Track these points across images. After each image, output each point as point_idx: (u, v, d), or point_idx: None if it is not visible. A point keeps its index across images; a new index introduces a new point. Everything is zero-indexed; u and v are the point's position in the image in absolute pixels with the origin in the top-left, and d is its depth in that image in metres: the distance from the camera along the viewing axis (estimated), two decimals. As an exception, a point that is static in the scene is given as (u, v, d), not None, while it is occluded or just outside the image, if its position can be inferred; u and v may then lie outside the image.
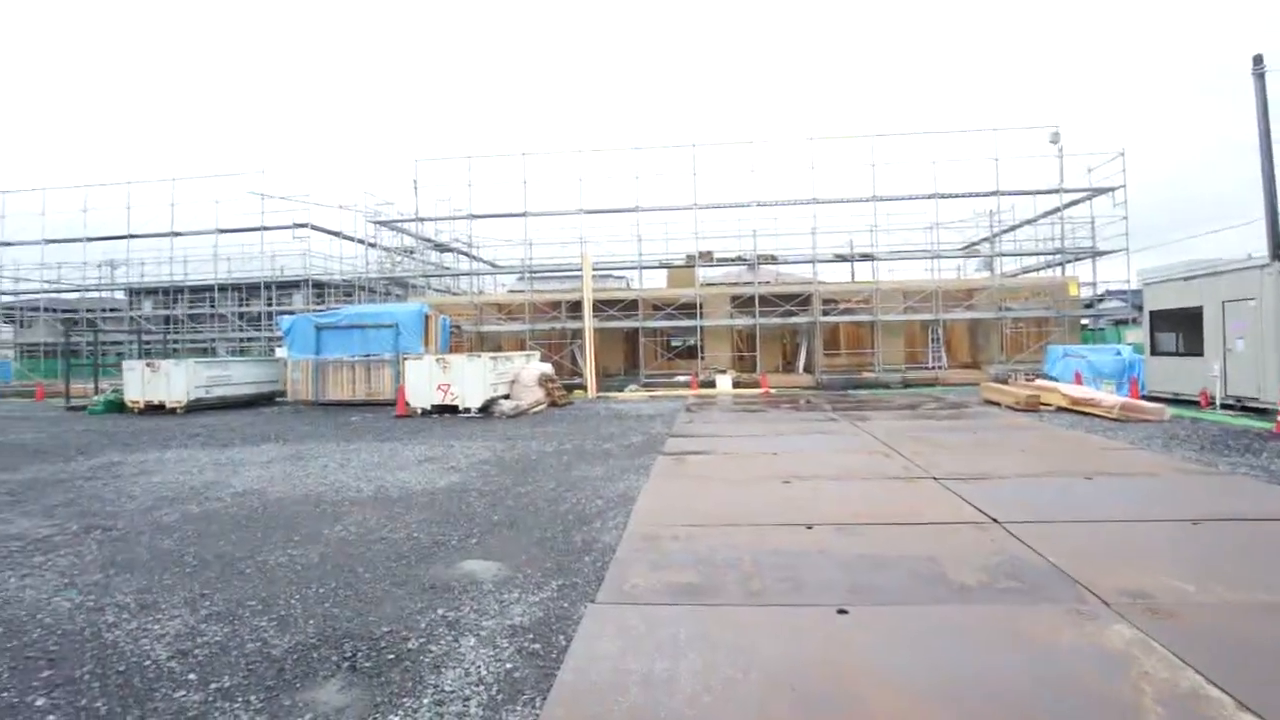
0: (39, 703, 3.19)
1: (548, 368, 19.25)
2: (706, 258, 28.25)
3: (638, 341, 27.88)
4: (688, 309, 26.03)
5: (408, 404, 16.39)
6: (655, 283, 31.21)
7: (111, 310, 39.84)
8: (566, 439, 11.69)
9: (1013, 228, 29.08)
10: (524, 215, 27.20)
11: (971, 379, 23.26)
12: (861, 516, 6.01)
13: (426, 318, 20.07)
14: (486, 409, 16.13)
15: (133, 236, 31.57)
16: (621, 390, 22.98)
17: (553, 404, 17.85)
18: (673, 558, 5.00)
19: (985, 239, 30.80)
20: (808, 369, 27.16)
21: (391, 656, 3.58)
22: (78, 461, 10.18)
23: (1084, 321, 28.64)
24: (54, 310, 39.87)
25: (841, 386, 23.27)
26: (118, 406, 18.90)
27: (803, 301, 26.05)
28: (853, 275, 30.15)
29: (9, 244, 32.57)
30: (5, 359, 38.41)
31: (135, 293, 37.54)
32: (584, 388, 22.30)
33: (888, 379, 23.91)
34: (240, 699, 3.19)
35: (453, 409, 16.17)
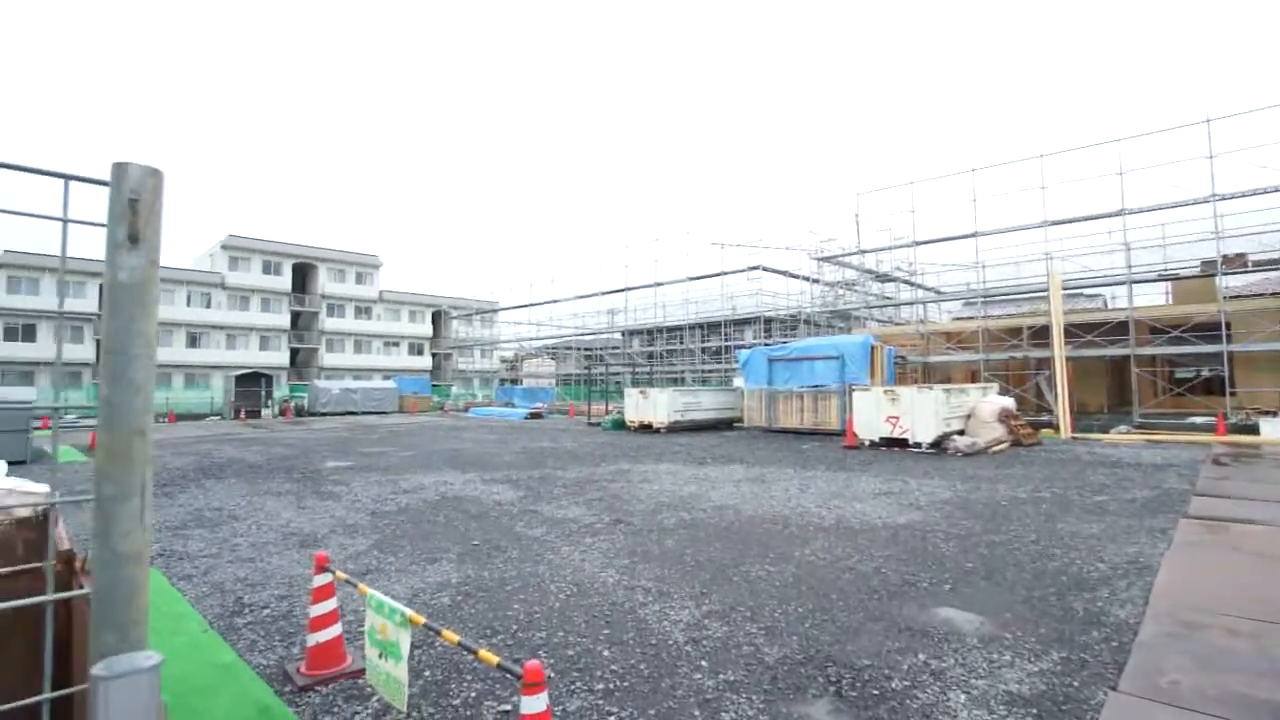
0: (605, 652, 4.11)
1: (1009, 402, 17.16)
2: (1235, 262, 21.60)
3: (1126, 372, 22.80)
4: (1204, 330, 20.25)
5: (856, 435, 16.49)
6: (1150, 299, 25.23)
7: (614, 348, 50.27)
8: (1042, 484, 10.17)
9: None
10: (974, 235, 25.03)
11: None
12: None
13: (872, 349, 19.99)
14: (938, 444, 15.16)
15: (628, 289, 39.33)
16: (1106, 431, 19.05)
17: (1017, 443, 15.80)
18: (1232, 657, 3.86)
19: None
20: None
21: (876, 692, 3.57)
22: (600, 467, 13.00)
23: None
24: (578, 349, 52.38)
25: None
26: (620, 424, 23.59)
27: None
28: None
29: (555, 301, 43.96)
30: (550, 385, 51.73)
31: (628, 333, 46.66)
32: (1054, 426, 19.19)
33: None
34: (744, 695, 3.57)
35: (901, 443, 15.66)
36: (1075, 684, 3.60)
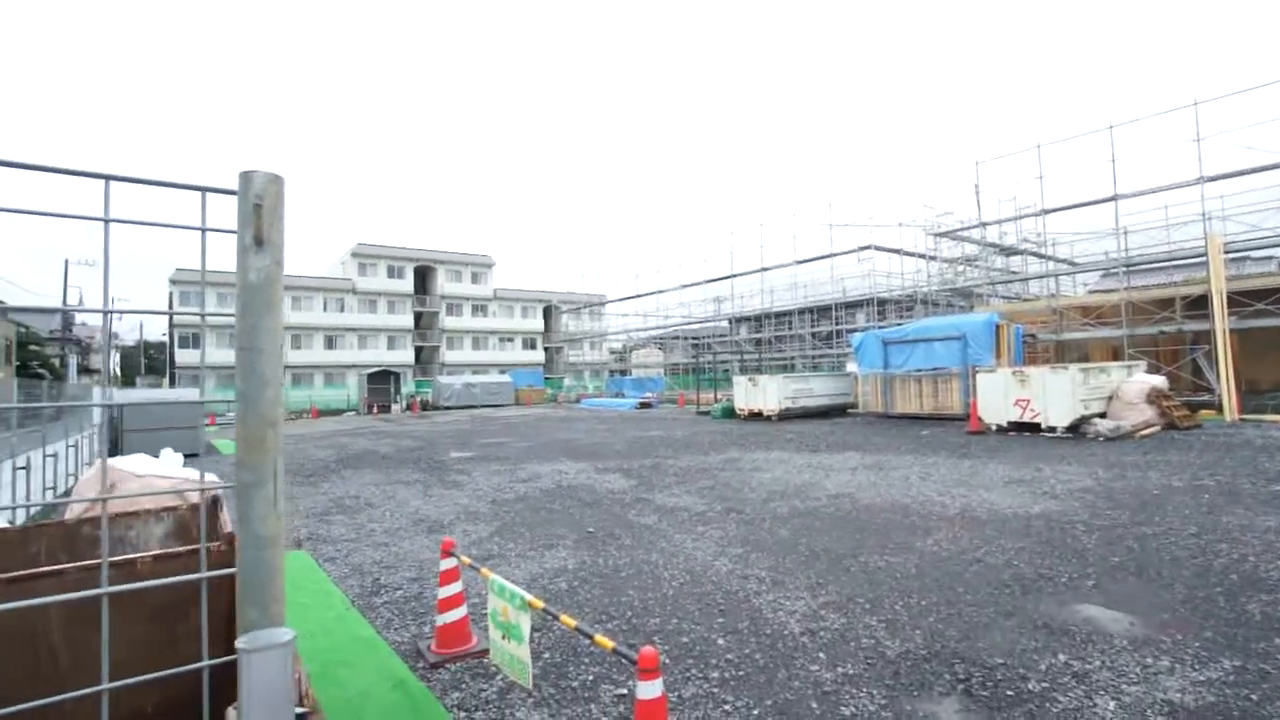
0: (719, 641, 4.10)
1: (1159, 381, 15.51)
2: None
3: (1310, 345, 20.03)
4: None
5: (980, 419, 15.49)
6: (1340, 260, 21.95)
7: (720, 336, 49.90)
8: (1202, 472, 9.13)
9: None
10: (1113, 199, 22.74)
11: None
12: None
13: (997, 327, 18.67)
14: (1075, 429, 13.96)
15: (734, 276, 38.88)
16: (1283, 412, 16.83)
17: (1170, 426, 14.27)
18: None
19: None
20: None
21: (1010, 693, 3.34)
22: (711, 455, 12.95)
23: None
24: (685, 338, 52.44)
25: None
26: (729, 412, 23.40)
27: None
28: None
29: (661, 291, 44.22)
30: (658, 375, 52.16)
31: (735, 321, 46.16)
32: (1216, 407, 17.18)
33: None
34: (864, 690, 3.44)
35: (1033, 427, 14.54)
36: (1254, 698, 3.20)
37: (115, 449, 14.35)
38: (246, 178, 0.91)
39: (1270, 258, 25.67)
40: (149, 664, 1.74)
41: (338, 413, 36.85)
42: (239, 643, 0.84)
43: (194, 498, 3.97)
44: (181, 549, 2.58)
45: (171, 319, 44.30)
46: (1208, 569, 5.09)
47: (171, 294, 45.21)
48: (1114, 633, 4.01)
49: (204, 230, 0.99)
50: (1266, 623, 4.05)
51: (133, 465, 4.92)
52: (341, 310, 51.38)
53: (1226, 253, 19.91)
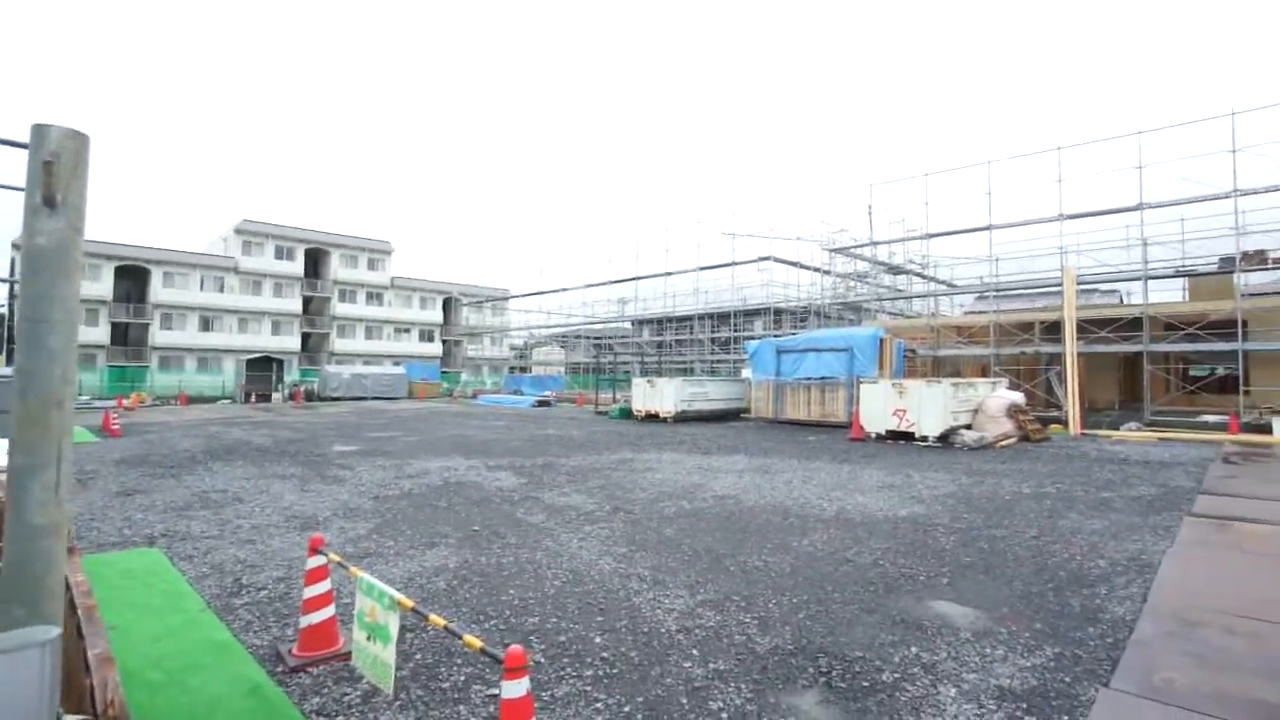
0: (596, 639, 4.11)
1: (1018, 397, 17.01)
2: (1255, 259, 21.24)
3: (1138, 369, 22.55)
4: (1220, 328, 19.94)
5: (862, 427, 16.41)
6: (1166, 295, 24.86)
7: (623, 337, 50.25)
8: (1047, 480, 10.09)
9: None
10: (988, 229, 24.73)
11: None
12: None
13: (881, 341, 19.84)
14: (945, 438, 15.06)
15: (638, 278, 39.27)
16: (1116, 428, 18.87)
17: (1025, 438, 15.67)
18: (1229, 656, 3.81)
19: None
20: None
21: (866, 684, 3.55)
22: (604, 455, 13.00)
23: None
24: (587, 338, 52.39)
25: None
26: (627, 413, 23.59)
27: None
28: None
29: (565, 289, 43.97)
30: (559, 374, 51.85)
31: (638, 323, 46.63)
32: (1063, 422, 19.02)
33: None
34: (733, 685, 3.56)
35: (908, 436, 15.56)
36: (1067, 680, 3.56)
37: (-65, 432, 12.68)
38: (40, 132, 0.82)
39: (1114, 290, 28.68)
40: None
41: (211, 400, 34.23)
42: (-13, 643, 0.75)
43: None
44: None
45: (13, 288, 39.61)
46: (1043, 567, 5.62)
47: (14, 259, 40.40)
48: (960, 626, 4.35)
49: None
50: (1084, 614, 4.53)
51: (-53, 451, 4.36)
52: (221, 290, 47.70)
53: (1078, 284, 22.11)
